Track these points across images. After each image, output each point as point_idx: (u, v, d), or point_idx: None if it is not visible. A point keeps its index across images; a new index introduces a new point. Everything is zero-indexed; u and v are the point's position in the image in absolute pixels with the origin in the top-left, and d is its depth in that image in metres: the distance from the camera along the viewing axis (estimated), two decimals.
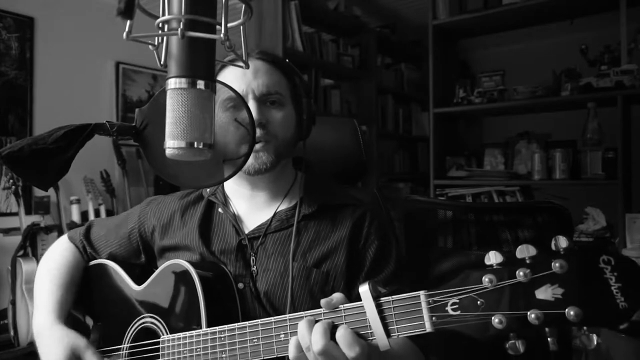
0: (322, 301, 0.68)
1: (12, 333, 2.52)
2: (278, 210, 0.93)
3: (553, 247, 0.56)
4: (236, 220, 0.94)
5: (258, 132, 0.86)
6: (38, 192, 2.89)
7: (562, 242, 0.56)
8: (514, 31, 3.04)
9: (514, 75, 3.10)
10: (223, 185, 0.99)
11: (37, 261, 2.53)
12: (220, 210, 0.96)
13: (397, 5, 3.82)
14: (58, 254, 1.03)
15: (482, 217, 1.13)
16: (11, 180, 2.65)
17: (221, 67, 0.93)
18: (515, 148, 2.83)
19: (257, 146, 0.87)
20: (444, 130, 2.96)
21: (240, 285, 0.88)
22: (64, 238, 1.08)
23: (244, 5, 0.56)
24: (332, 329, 0.66)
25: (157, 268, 0.98)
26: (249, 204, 0.96)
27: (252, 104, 0.87)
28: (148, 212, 1.02)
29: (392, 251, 0.93)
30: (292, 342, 0.68)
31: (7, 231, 2.73)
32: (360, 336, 0.65)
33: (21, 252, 2.54)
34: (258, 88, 0.88)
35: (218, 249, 0.92)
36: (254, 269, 0.89)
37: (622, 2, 2.39)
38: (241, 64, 0.60)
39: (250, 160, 0.86)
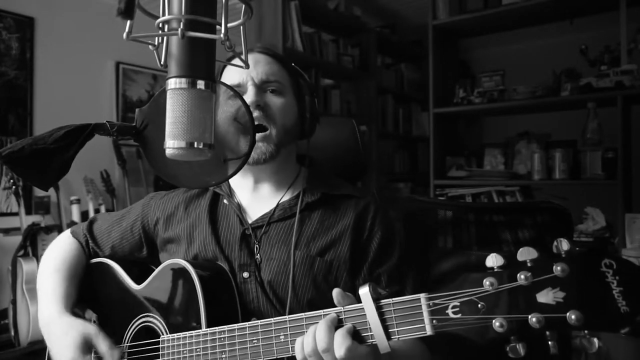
0: (337, 298, 0.68)
1: (12, 333, 2.51)
2: (281, 200, 0.94)
3: (554, 250, 0.56)
4: (240, 211, 0.95)
5: (256, 113, 0.88)
6: (38, 192, 2.89)
7: (564, 244, 0.55)
8: (514, 31, 3.05)
9: (514, 75, 3.10)
10: None
11: (38, 261, 2.53)
12: (225, 201, 0.97)
13: (397, 5, 3.82)
14: (62, 249, 1.04)
15: (482, 217, 1.13)
16: (11, 180, 2.65)
17: (224, 65, 0.94)
18: (515, 148, 2.83)
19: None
20: (444, 130, 2.96)
21: (245, 274, 0.89)
22: (67, 233, 1.08)
23: (244, 5, 0.56)
24: (338, 325, 0.67)
25: (158, 262, 0.98)
26: (253, 196, 0.97)
27: (251, 90, 0.89)
28: (152, 205, 1.03)
29: (395, 242, 0.94)
30: (299, 343, 0.69)
31: (7, 231, 2.73)
32: (361, 338, 0.66)
33: (21, 252, 2.54)
34: (257, 76, 0.90)
35: (224, 238, 0.93)
36: (258, 257, 0.90)
37: (622, 2, 2.39)
38: (241, 63, 0.60)
39: None
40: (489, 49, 3.96)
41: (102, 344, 0.87)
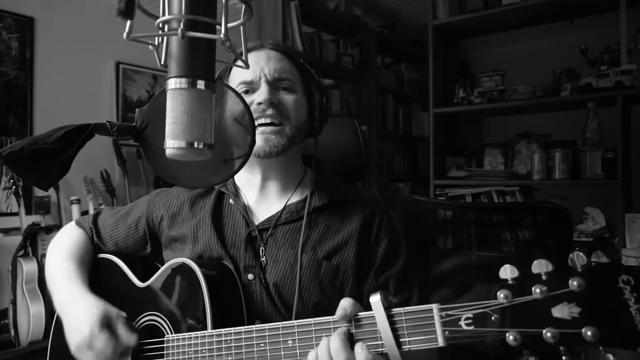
0: (338, 315, 0.67)
1: (12, 333, 2.52)
2: (288, 202, 0.94)
3: (570, 263, 0.55)
4: (246, 211, 0.94)
5: (269, 111, 0.88)
6: (38, 192, 2.89)
7: (580, 259, 0.54)
8: (514, 31, 3.05)
9: (514, 75, 3.09)
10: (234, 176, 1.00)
11: (38, 261, 2.53)
12: (231, 201, 0.97)
13: (397, 5, 3.82)
14: (70, 237, 1.03)
15: (482, 217, 1.13)
16: (11, 180, 2.65)
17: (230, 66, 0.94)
18: (515, 148, 2.83)
19: (268, 129, 0.88)
20: (444, 130, 2.96)
21: (250, 276, 0.88)
22: (72, 224, 1.07)
23: (244, 5, 0.56)
24: (350, 338, 0.67)
25: (162, 259, 0.98)
26: (260, 195, 0.96)
27: (264, 87, 0.89)
28: (157, 202, 1.03)
29: (402, 247, 0.94)
30: (312, 356, 0.68)
31: (7, 231, 2.73)
32: (371, 347, 0.65)
33: (21, 252, 2.54)
34: (270, 72, 0.91)
35: (229, 239, 0.92)
36: (263, 259, 0.90)
37: (622, 2, 2.40)
38: (241, 63, 0.60)
39: (261, 143, 0.88)
40: (489, 49, 3.96)
41: (121, 326, 0.84)
